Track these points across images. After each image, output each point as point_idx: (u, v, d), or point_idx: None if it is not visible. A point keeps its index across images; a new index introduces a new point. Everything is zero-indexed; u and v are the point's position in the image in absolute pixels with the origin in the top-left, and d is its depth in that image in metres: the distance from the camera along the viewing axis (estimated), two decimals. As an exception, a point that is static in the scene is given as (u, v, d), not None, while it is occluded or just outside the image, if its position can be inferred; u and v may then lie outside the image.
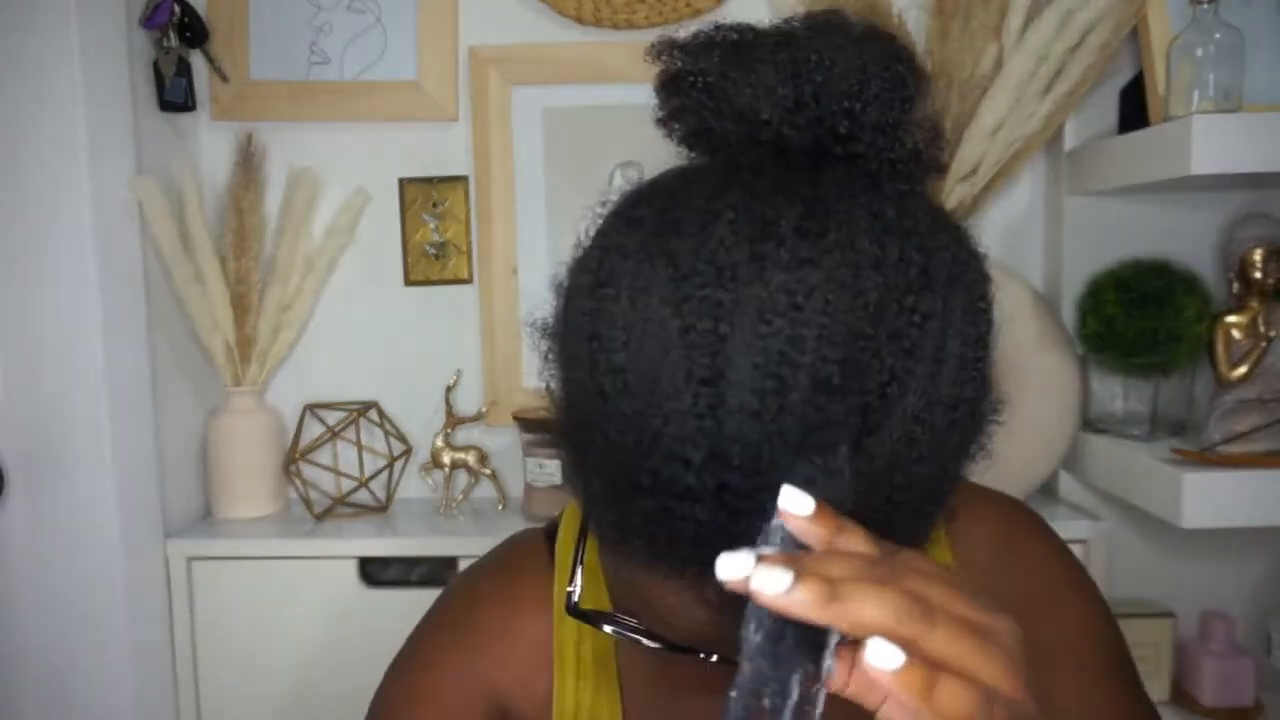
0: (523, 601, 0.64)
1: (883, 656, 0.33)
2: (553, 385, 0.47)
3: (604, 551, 0.50)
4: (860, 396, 0.39)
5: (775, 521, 0.36)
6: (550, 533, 0.67)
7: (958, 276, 0.43)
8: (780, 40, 0.44)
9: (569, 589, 0.52)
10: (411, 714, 0.63)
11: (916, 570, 0.36)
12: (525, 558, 0.66)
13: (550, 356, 0.47)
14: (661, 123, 0.48)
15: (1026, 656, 0.37)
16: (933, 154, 0.45)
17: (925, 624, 0.34)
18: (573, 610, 0.51)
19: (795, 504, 0.36)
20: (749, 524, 0.37)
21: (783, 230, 0.39)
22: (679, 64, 0.46)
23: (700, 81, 0.45)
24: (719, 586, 0.35)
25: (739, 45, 0.45)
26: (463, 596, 0.67)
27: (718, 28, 0.46)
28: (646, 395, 0.40)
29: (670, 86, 0.47)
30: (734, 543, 0.36)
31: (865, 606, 0.33)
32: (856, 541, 0.37)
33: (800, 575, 0.33)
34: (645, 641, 0.49)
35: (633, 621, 0.49)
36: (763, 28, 0.45)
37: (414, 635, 0.68)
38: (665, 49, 0.47)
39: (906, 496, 0.42)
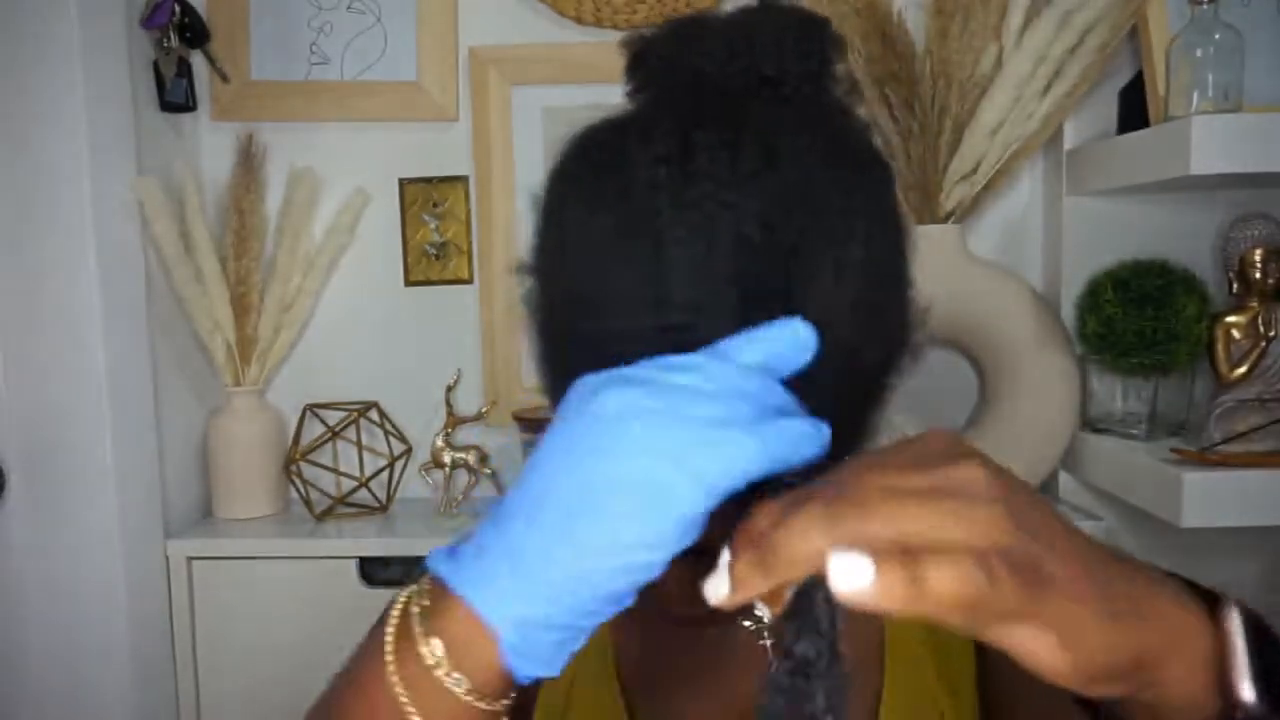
0: None
1: (848, 574, 0.31)
2: (532, 308, 0.53)
3: None
4: (777, 252, 0.44)
5: None
6: None
7: (868, 166, 0.49)
8: (723, 16, 0.52)
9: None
10: None
11: (851, 473, 0.35)
12: None
13: (532, 275, 0.53)
14: (629, 96, 0.55)
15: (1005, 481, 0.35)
16: (853, 104, 0.53)
17: (868, 517, 0.32)
18: None
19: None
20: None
21: (710, 120, 0.46)
22: (641, 46, 0.54)
23: (658, 53, 0.53)
24: None
25: (689, 22, 0.54)
26: None
27: (673, 17, 0.56)
28: (599, 266, 0.46)
29: (635, 64, 0.55)
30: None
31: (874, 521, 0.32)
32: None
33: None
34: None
35: None
36: (711, 13, 0.54)
37: None
38: (633, 39, 0.55)
39: (832, 373, 0.44)
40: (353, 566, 1.27)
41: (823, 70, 0.51)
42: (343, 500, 1.36)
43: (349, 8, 1.38)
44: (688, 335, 0.42)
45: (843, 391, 0.47)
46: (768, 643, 0.62)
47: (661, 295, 0.44)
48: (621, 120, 0.51)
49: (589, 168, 0.49)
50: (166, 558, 1.26)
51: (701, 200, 0.44)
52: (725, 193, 0.44)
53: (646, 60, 0.54)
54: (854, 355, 0.47)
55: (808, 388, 0.41)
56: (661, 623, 0.59)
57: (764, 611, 0.52)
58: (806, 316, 0.41)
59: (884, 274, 0.48)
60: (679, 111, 0.48)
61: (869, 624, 0.61)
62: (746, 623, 0.63)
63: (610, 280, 0.45)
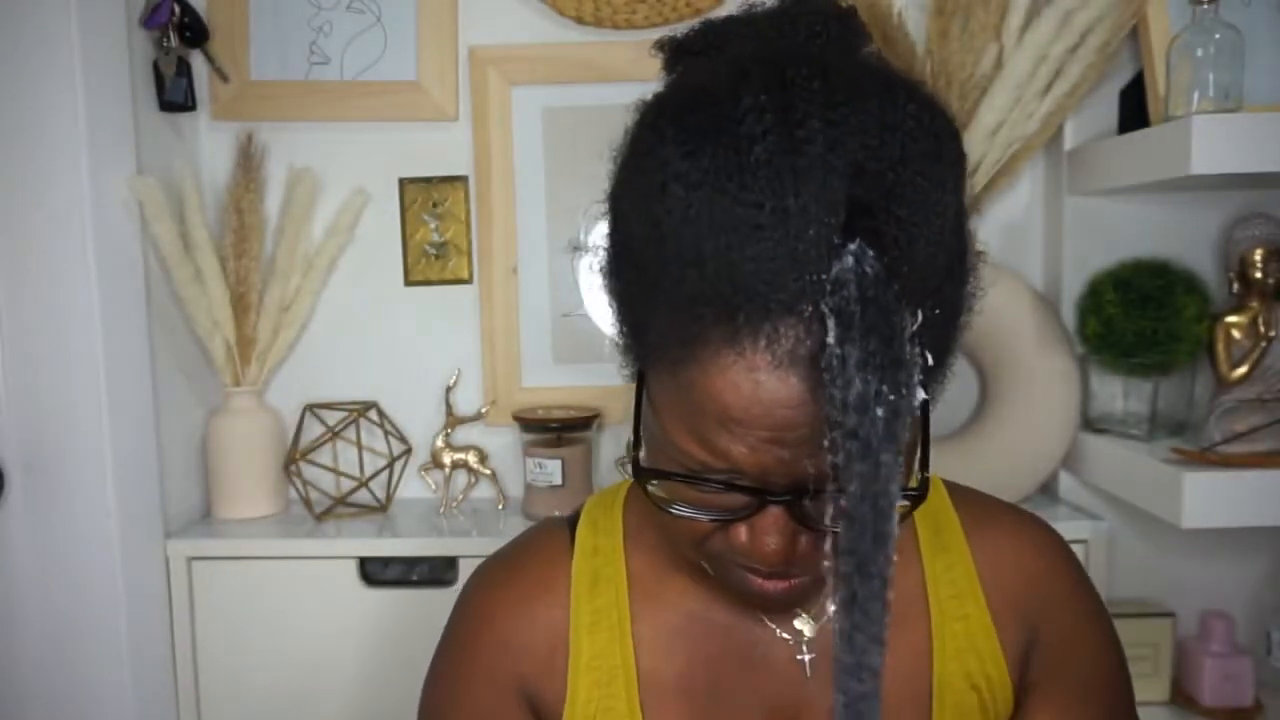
0: (540, 586, 0.66)
1: None
2: (610, 250, 0.54)
3: (666, 391, 0.51)
4: (883, 165, 0.45)
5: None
6: (572, 520, 0.70)
7: (936, 103, 0.50)
8: (757, 12, 0.56)
9: (634, 454, 0.55)
10: (450, 709, 0.66)
11: None
12: (542, 546, 0.69)
13: (609, 219, 0.54)
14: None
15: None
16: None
17: None
18: (640, 472, 0.53)
19: None
20: (816, 257, 0.44)
21: (798, 62, 0.47)
22: (679, 43, 0.57)
23: (700, 44, 0.56)
24: (795, 340, 0.44)
25: (724, 20, 0.56)
26: (483, 584, 0.69)
27: (705, 19, 0.58)
28: (711, 187, 0.46)
29: (675, 58, 0.57)
30: (803, 278, 0.43)
31: None
32: None
33: None
34: (709, 499, 0.51)
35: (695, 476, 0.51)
36: (743, 12, 0.57)
37: (449, 630, 0.70)
38: (665, 39, 0.57)
39: (928, 268, 0.46)
40: (353, 566, 1.27)
41: (854, 50, 0.54)
42: (343, 500, 1.36)
43: (349, 8, 1.37)
44: (802, 237, 0.44)
45: (950, 309, 0.50)
46: (806, 658, 0.62)
47: (777, 204, 0.44)
48: (698, 76, 0.52)
49: (684, 106, 0.49)
50: (166, 558, 1.26)
51: (807, 120, 0.45)
52: (830, 113, 0.45)
53: (689, 51, 0.56)
54: (956, 275, 0.50)
55: (930, 293, 0.46)
56: (691, 623, 0.61)
57: (806, 626, 0.54)
58: (917, 227, 0.45)
59: (961, 203, 0.50)
60: (758, 58, 0.49)
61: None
62: (785, 635, 0.63)
63: (722, 199, 0.45)
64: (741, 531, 0.52)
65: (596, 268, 0.56)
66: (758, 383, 0.46)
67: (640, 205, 0.49)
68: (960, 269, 0.51)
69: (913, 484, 0.50)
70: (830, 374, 0.42)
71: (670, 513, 0.53)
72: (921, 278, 0.46)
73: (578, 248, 0.55)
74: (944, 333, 0.50)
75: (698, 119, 0.47)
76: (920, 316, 0.44)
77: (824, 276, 0.43)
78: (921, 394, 0.44)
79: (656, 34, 0.57)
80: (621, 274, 0.53)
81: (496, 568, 0.69)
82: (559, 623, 0.65)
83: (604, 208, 0.55)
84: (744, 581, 0.55)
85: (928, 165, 0.47)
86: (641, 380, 0.55)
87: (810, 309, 0.44)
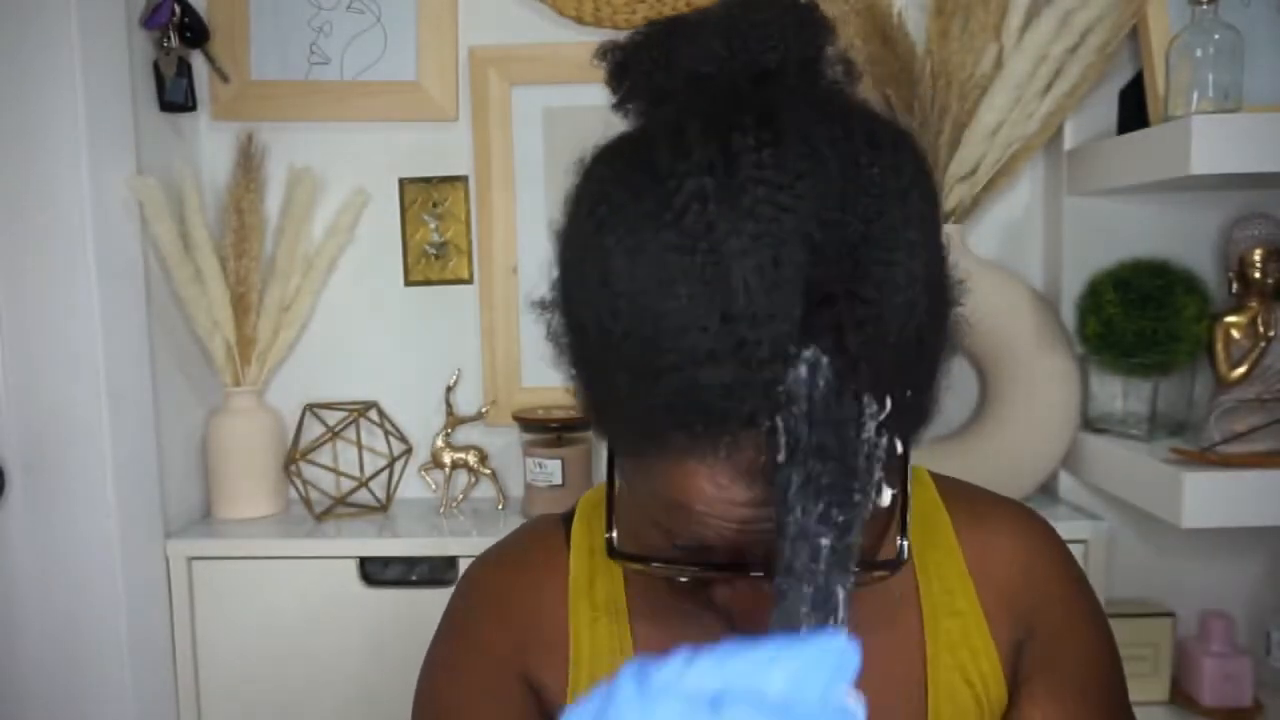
0: (537, 581, 0.66)
1: None
2: (560, 327, 0.51)
3: (631, 470, 0.50)
4: (843, 245, 0.43)
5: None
6: (567, 518, 0.69)
7: (901, 142, 0.48)
8: (707, 13, 0.51)
9: (607, 535, 0.53)
10: (449, 687, 0.66)
11: None
12: (538, 542, 0.69)
13: (556, 300, 0.51)
14: (617, 107, 0.54)
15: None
16: (851, 86, 0.52)
17: None
18: (614, 553, 0.53)
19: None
20: (771, 374, 0.41)
21: (745, 123, 0.44)
22: (623, 54, 0.53)
23: (648, 57, 0.52)
24: (755, 449, 0.42)
25: (673, 22, 0.52)
26: (484, 571, 0.69)
27: (650, 21, 0.54)
28: (657, 288, 0.43)
29: (620, 72, 0.53)
30: (759, 395, 0.41)
31: None
32: None
33: None
34: (685, 572, 0.50)
35: (670, 554, 0.50)
36: (693, 12, 0.52)
37: (444, 622, 0.70)
38: (609, 47, 0.54)
39: (900, 348, 0.45)
40: (353, 566, 1.27)
41: (819, 56, 0.51)
42: (343, 500, 1.36)
43: (349, 8, 1.38)
44: (757, 350, 0.41)
45: (927, 369, 0.48)
46: None
47: (729, 309, 0.42)
48: (638, 135, 0.50)
49: (625, 189, 0.46)
50: (166, 558, 1.26)
51: (756, 206, 0.42)
52: (780, 195, 0.42)
53: (633, 66, 0.53)
54: (931, 333, 0.48)
55: (901, 371, 0.44)
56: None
57: None
58: (884, 307, 0.43)
59: (938, 246, 0.48)
60: (702, 116, 0.46)
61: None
62: None
63: (671, 302, 0.42)
64: (722, 591, 0.52)
65: (547, 332, 0.53)
66: (722, 486, 0.45)
67: (587, 298, 0.47)
68: (940, 326, 0.49)
69: (890, 555, 0.50)
70: (779, 493, 0.41)
71: (651, 571, 0.52)
72: (892, 361, 0.43)
73: (542, 307, 0.54)
74: (921, 400, 0.48)
75: (637, 209, 0.44)
76: (889, 403, 0.42)
77: (779, 389, 0.41)
78: (887, 493, 0.43)
79: None
80: (577, 358, 0.50)
81: (496, 558, 0.69)
82: (559, 614, 0.64)
83: (552, 270, 0.52)
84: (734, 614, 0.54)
85: (897, 236, 0.44)
86: (611, 450, 0.54)
87: (768, 423, 0.42)
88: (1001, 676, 0.63)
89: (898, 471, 0.48)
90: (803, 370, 0.41)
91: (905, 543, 0.51)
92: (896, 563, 0.50)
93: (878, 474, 0.42)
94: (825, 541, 0.40)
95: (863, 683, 0.35)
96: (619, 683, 0.33)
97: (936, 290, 0.48)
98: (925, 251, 0.46)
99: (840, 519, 0.40)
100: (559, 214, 0.52)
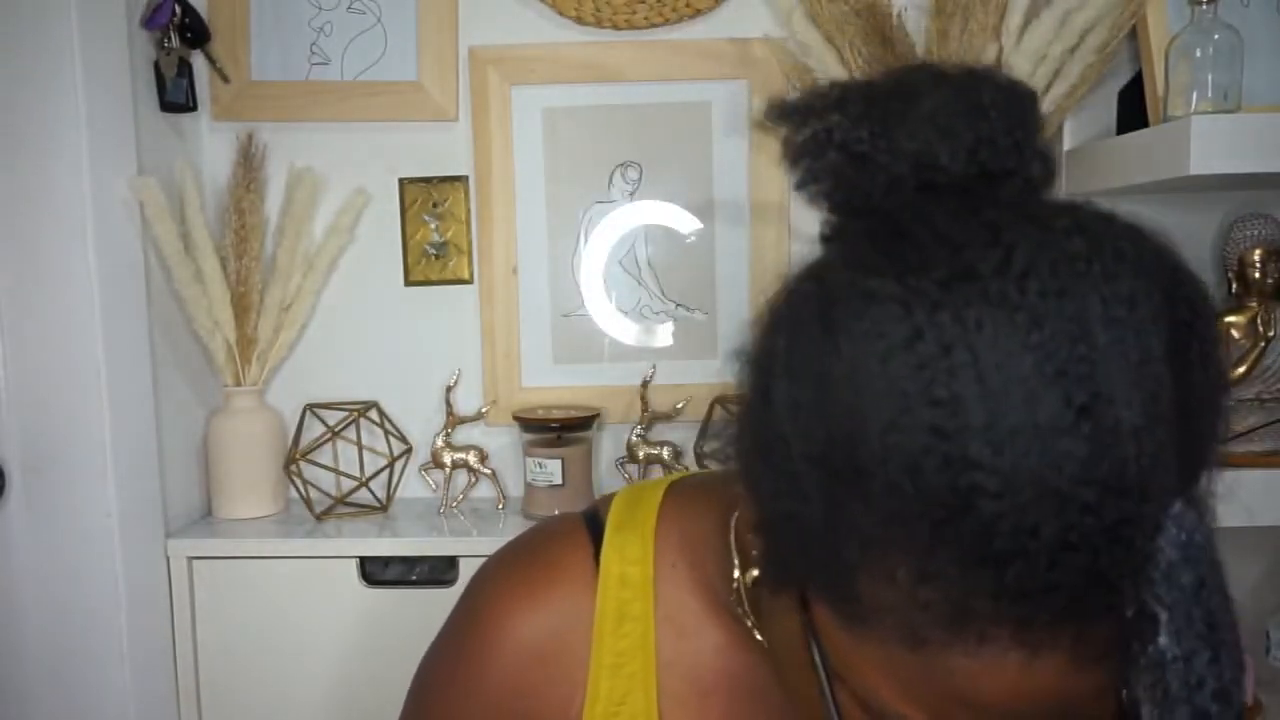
0: (559, 609, 0.60)
1: None
2: (808, 477, 0.40)
3: (878, 647, 0.41)
4: (1194, 378, 0.38)
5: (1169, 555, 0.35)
6: (594, 528, 0.63)
7: (1174, 259, 0.43)
8: (929, 84, 0.44)
9: (825, 681, 0.44)
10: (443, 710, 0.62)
11: None
12: (565, 558, 0.61)
13: (814, 454, 0.40)
14: (806, 184, 0.46)
15: None
16: (1054, 175, 0.47)
17: None
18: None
19: None
20: (1137, 559, 0.36)
21: (1075, 240, 0.39)
22: (817, 120, 0.45)
23: (864, 132, 0.43)
24: (1103, 637, 0.36)
25: (889, 91, 0.44)
26: (498, 605, 0.61)
27: (834, 84, 0.46)
28: (1025, 447, 0.35)
29: (815, 146, 0.45)
30: (1132, 575, 0.35)
31: None
32: None
33: None
34: None
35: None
36: (880, 80, 0.45)
37: (450, 631, 0.65)
38: (798, 108, 0.46)
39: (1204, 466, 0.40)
40: (353, 566, 1.27)
41: (1036, 153, 0.45)
42: (343, 500, 1.36)
43: (349, 8, 1.38)
44: (1140, 528, 0.36)
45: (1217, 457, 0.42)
46: None
47: (1116, 480, 0.35)
48: (922, 236, 0.40)
49: (955, 295, 0.37)
50: (167, 558, 1.26)
51: (1122, 332, 0.36)
52: (1145, 334, 0.37)
53: (828, 147, 0.44)
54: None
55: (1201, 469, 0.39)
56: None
57: None
58: (1219, 432, 0.39)
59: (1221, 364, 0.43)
60: (1011, 215, 0.40)
61: None
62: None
63: (1049, 465, 0.35)
64: None
65: (734, 452, 0.44)
66: (1043, 685, 0.38)
67: (885, 425, 0.37)
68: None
69: None
70: (1155, 678, 0.36)
71: None
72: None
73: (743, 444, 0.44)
74: None
75: (977, 317, 0.36)
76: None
77: (1151, 565, 0.35)
78: None
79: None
80: (811, 496, 0.40)
81: (510, 583, 0.61)
82: (578, 655, 0.59)
83: (755, 385, 0.43)
84: None
85: (1213, 344, 0.39)
86: (806, 603, 0.44)
87: (1135, 603, 0.36)
88: None
89: None
90: (1175, 530, 0.35)
91: None
92: None
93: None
94: (1214, 706, 0.36)
95: None
96: None
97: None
98: (1220, 373, 0.42)
99: (1235, 686, 0.36)
100: (787, 316, 0.42)
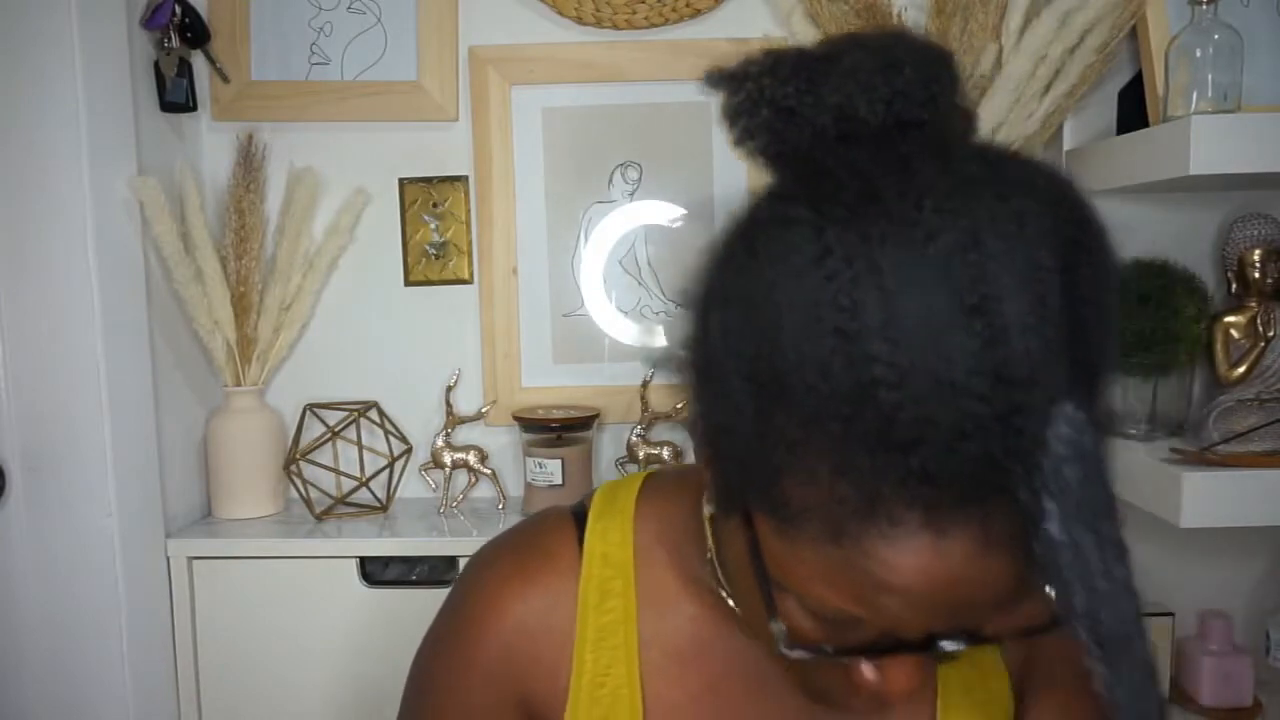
0: (546, 587, 0.64)
1: None
2: (726, 384, 0.45)
3: (806, 556, 0.44)
4: (1089, 292, 0.42)
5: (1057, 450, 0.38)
6: (579, 516, 0.67)
7: (1071, 190, 0.46)
8: (846, 50, 0.48)
9: (773, 624, 0.47)
10: (447, 693, 0.64)
11: None
12: (550, 543, 0.66)
13: (728, 350, 0.44)
14: (741, 142, 0.50)
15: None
16: (973, 130, 0.51)
17: None
18: (785, 648, 0.47)
19: None
20: (1039, 438, 0.38)
21: (972, 168, 0.42)
22: (751, 83, 0.49)
23: (793, 91, 0.47)
24: (1004, 519, 0.39)
25: (814, 59, 0.48)
26: (488, 582, 0.66)
27: (769, 51, 0.49)
28: (924, 341, 0.39)
29: (752, 108, 0.49)
30: (1027, 461, 0.38)
31: None
32: None
33: None
34: (864, 660, 0.47)
35: (835, 640, 0.47)
36: (809, 47, 0.49)
37: (444, 616, 0.68)
38: (726, 75, 0.50)
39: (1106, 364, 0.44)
40: (353, 566, 1.27)
41: (952, 105, 0.48)
42: (343, 500, 1.36)
43: (349, 8, 1.38)
44: (1030, 416, 0.39)
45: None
46: None
47: (1005, 371, 0.38)
48: (839, 170, 0.44)
49: (861, 217, 0.41)
50: (167, 558, 1.26)
51: (1013, 246, 0.40)
52: (1035, 235, 0.40)
53: (764, 98, 0.48)
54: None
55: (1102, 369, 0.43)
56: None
57: None
58: (1117, 348, 0.43)
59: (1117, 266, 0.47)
60: (919, 148, 0.43)
61: None
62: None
63: (937, 359, 0.38)
64: (869, 670, 0.48)
65: (682, 382, 0.48)
66: (955, 565, 0.41)
67: (807, 349, 0.40)
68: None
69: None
70: (1052, 551, 0.39)
71: (786, 655, 0.47)
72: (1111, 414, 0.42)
73: (666, 363, 0.49)
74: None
75: (880, 237, 0.40)
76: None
77: (1041, 454, 0.38)
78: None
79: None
80: (747, 409, 0.44)
81: (502, 566, 0.66)
82: (565, 632, 0.63)
83: (696, 317, 0.47)
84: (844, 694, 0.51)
85: (1112, 271, 0.43)
86: (749, 518, 0.48)
87: (1028, 491, 0.39)
88: (1009, 691, 0.64)
89: None
90: (1064, 428, 0.38)
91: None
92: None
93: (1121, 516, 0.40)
94: (1104, 585, 0.39)
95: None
96: None
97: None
98: (1114, 273, 0.46)
99: (1120, 570, 0.39)
100: (720, 254, 0.46)
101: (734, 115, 0.49)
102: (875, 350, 0.39)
